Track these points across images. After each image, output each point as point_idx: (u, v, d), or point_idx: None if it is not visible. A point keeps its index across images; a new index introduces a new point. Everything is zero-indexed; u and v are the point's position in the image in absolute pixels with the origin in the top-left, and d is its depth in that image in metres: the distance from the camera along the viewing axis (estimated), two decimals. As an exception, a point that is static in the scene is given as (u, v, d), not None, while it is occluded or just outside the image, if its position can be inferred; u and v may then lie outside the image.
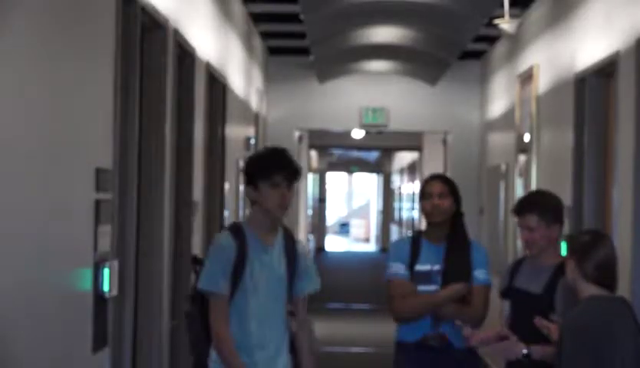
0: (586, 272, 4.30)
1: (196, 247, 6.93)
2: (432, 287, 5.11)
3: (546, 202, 5.00)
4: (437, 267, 5.12)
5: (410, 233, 14.56)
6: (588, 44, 6.82)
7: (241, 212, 9.56)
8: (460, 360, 5.16)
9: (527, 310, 4.93)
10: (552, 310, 4.81)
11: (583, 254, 4.32)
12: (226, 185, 8.29)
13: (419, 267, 5.14)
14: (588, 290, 4.30)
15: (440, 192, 5.16)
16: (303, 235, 16.71)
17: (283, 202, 4.33)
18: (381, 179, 35.93)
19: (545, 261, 4.97)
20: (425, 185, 5.24)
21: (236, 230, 4.38)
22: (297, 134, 13.23)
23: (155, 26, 5.50)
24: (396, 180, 30.42)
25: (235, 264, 4.30)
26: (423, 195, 5.21)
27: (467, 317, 5.11)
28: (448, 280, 5.08)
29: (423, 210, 5.21)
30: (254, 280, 4.36)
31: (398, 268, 5.13)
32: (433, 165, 15.70)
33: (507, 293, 5.07)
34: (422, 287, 5.11)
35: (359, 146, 24.28)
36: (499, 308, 5.17)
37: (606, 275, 4.31)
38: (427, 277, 5.13)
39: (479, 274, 5.15)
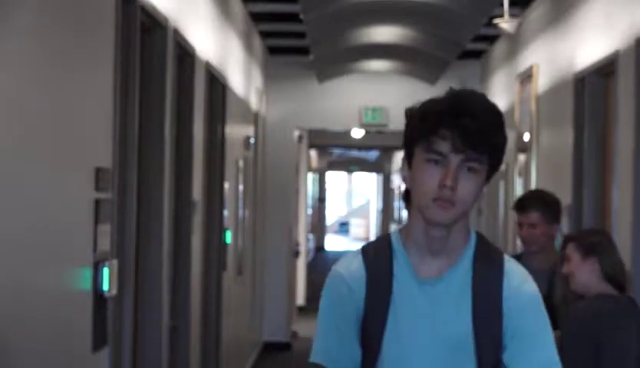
0: (606, 271, 4.27)
1: (196, 246, 6.93)
2: None
3: (549, 199, 5.04)
4: None
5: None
6: (587, 44, 6.82)
7: (240, 212, 9.56)
8: None
9: None
10: (551, 313, 4.82)
11: (604, 253, 4.29)
12: (226, 185, 8.29)
13: None
14: (601, 287, 4.28)
15: None
16: (303, 235, 16.71)
17: (445, 191, 2.29)
18: (381, 178, 35.94)
19: (541, 263, 4.98)
20: None
21: (376, 249, 2.44)
22: (297, 133, 13.24)
23: (155, 25, 5.50)
24: (396, 180, 30.43)
25: (366, 313, 2.39)
26: None
27: None
28: None
29: None
30: (402, 346, 2.37)
31: None
32: (433, 164, 15.70)
33: None
34: None
35: (359, 145, 24.27)
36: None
37: (621, 274, 4.30)
38: None
39: None
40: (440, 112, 2.32)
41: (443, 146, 2.30)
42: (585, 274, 4.31)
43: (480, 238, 2.46)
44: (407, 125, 2.40)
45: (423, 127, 2.33)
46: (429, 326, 2.36)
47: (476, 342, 2.35)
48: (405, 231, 2.44)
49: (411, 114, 2.39)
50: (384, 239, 2.46)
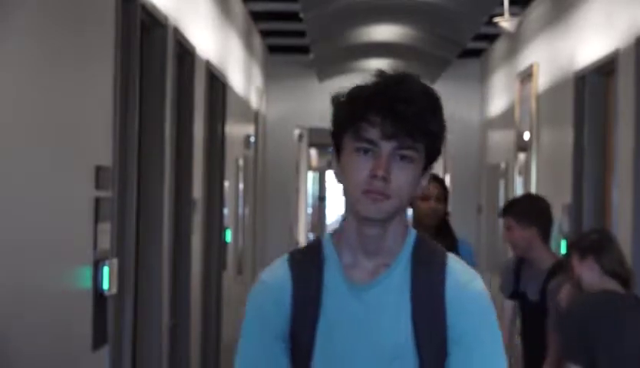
0: (606, 266, 4.28)
1: (196, 244, 6.94)
2: None
3: (523, 204, 5.14)
4: None
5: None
6: (587, 43, 6.82)
7: (240, 211, 9.56)
8: None
9: (529, 315, 4.99)
10: (544, 317, 4.85)
11: (600, 250, 4.30)
12: (226, 184, 8.29)
13: None
14: (606, 284, 4.28)
15: (437, 195, 5.19)
16: (303, 234, 16.72)
17: (376, 182, 2.10)
18: (381, 177, 35.88)
19: (540, 264, 5.04)
20: None
21: (305, 255, 2.24)
22: (297, 132, 13.24)
23: (155, 24, 5.50)
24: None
25: (294, 326, 2.18)
26: (420, 195, 5.22)
27: None
28: None
29: (419, 210, 5.21)
30: (336, 358, 2.16)
31: None
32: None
33: (514, 295, 5.14)
34: None
35: (359, 144, 24.25)
36: (499, 310, 5.19)
37: (622, 268, 4.30)
38: None
39: None
40: (369, 95, 2.12)
41: (373, 133, 2.09)
42: (587, 275, 4.31)
43: (419, 235, 2.23)
44: (334, 112, 2.19)
45: (351, 113, 2.13)
46: (365, 335, 2.14)
47: (417, 349, 2.12)
48: (338, 233, 2.23)
49: (338, 100, 2.19)
50: (314, 243, 2.26)
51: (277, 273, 2.22)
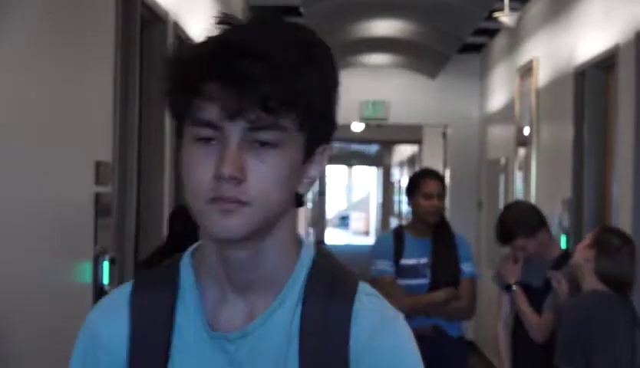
0: (598, 268, 4.26)
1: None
2: (419, 281, 5.15)
3: (522, 218, 5.04)
4: (423, 261, 5.16)
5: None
6: (587, 38, 6.82)
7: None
8: (453, 349, 5.19)
9: (532, 303, 4.98)
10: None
11: (602, 251, 4.28)
12: (226, 179, 8.29)
13: (404, 261, 5.17)
14: (593, 284, 4.27)
15: (439, 193, 5.20)
16: (303, 229, 16.72)
17: (224, 186, 1.37)
18: (381, 172, 35.97)
19: (545, 255, 5.02)
20: (423, 183, 5.25)
21: (154, 284, 1.53)
22: (297, 127, 13.22)
23: (155, 19, 5.50)
24: (396, 173, 30.45)
25: None
26: (422, 193, 5.22)
27: (457, 311, 5.14)
28: (438, 274, 5.11)
29: (421, 208, 5.22)
30: None
31: (383, 265, 5.17)
32: (433, 158, 15.71)
33: (511, 287, 5.13)
34: (408, 281, 5.14)
35: (359, 139, 24.28)
36: (497, 302, 5.19)
37: (617, 282, 4.27)
38: (413, 270, 5.17)
39: (465, 267, 5.20)
40: (203, 53, 1.39)
41: (212, 111, 1.37)
42: (581, 257, 4.31)
43: (320, 256, 1.52)
44: (164, 80, 1.45)
45: (180, 83, 1.41)
46: None
47: None
48: (199, 254, 1.52)
49: (167, 62, 1.44)
50: (168, 267, 1.54)
51: (110, 311, 1.53)
